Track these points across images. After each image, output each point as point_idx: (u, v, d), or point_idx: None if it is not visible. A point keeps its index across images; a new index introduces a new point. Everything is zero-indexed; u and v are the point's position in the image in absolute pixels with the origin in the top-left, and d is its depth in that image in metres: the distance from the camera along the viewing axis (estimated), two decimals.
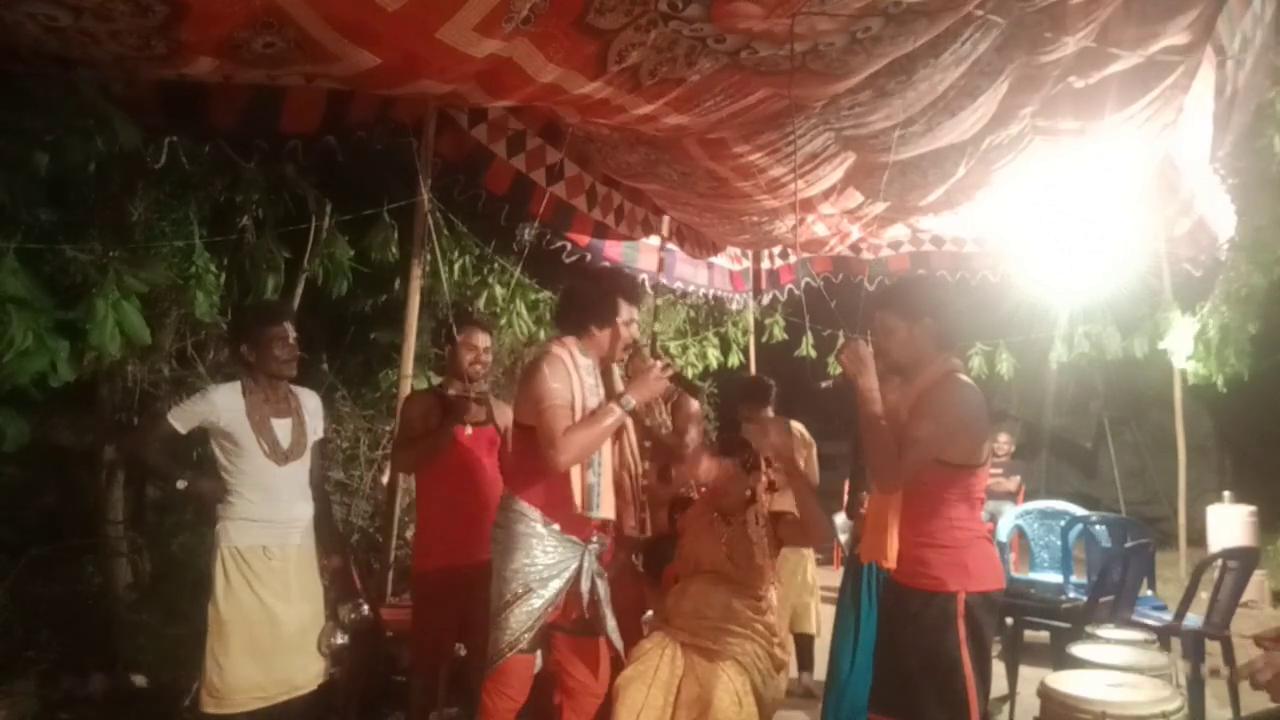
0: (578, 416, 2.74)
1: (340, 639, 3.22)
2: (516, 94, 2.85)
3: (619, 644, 3.01)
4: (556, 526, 2.79)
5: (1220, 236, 6.11)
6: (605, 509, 2.82)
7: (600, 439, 2.77)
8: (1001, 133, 3.90)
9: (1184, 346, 6.86)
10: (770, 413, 4.97)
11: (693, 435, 4.45)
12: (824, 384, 3.05)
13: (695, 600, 3.49)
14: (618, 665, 3.30)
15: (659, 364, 2.90)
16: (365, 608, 3.35)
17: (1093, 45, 3.18)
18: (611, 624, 2.93)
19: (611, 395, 2.89)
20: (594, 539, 2.89)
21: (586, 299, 2.98)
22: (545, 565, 2.77)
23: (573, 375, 2.78)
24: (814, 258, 6.87)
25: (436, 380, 4.37)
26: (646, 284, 6.11)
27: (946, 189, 4.47)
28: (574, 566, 2.82)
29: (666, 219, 5.29)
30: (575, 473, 2.74)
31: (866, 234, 5.99)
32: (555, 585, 2.78)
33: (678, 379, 3.06)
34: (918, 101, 3.22)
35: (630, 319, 2.97)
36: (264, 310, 3.62)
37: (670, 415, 4.35)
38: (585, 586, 2.83)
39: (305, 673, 3.13)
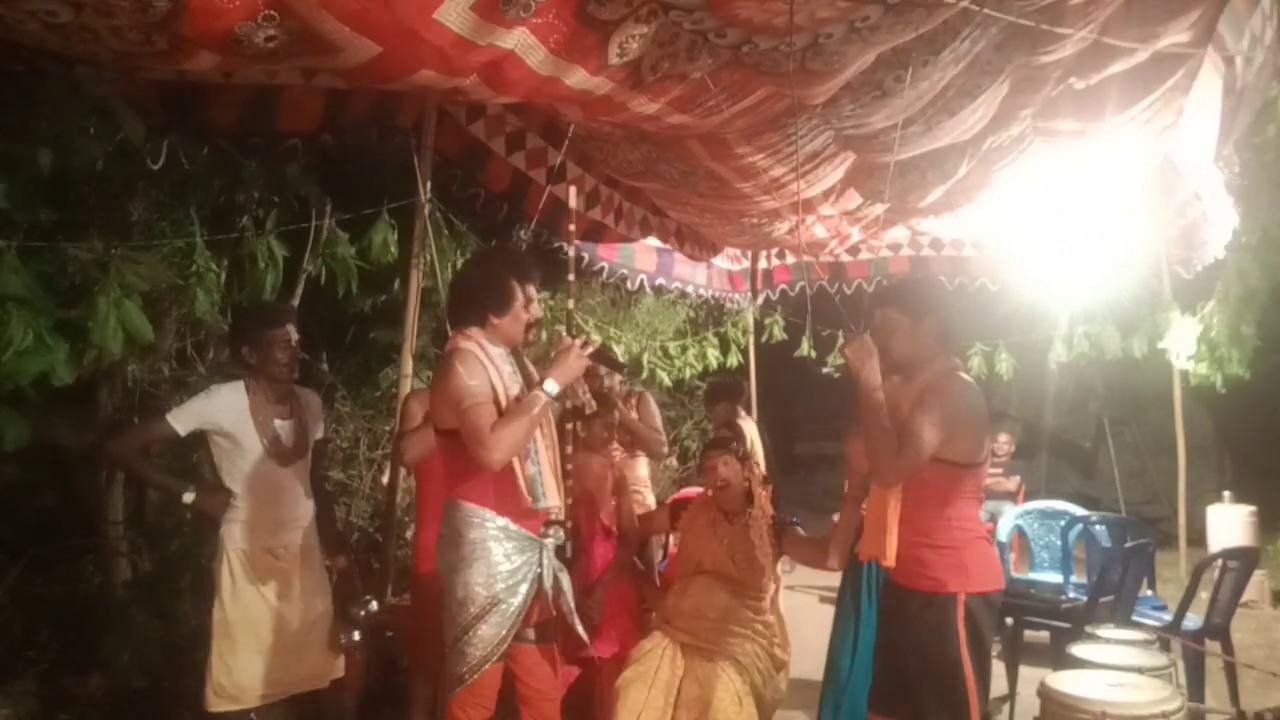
0: (502, 408, 2.63)
1: (355, 636, 3.23)
2: (519, 88, 2.84)
3: (585, 634, 2.95)
4: (508, 522, 2.68)
5: (1216, 239, 6.11)
6: (550, 497, 2.74)
7: (531, 429, 2.65)
8: (1002, 133, 3.90)
9: (1185, 347, 6.87)
10: (741, 410, 5.43)
11: (658, 427, 4.60)
12: (825, 370, 3.05)
13: (695, 600, 3.50)
14: (591, 661, 3.29)
15: (578, 342, 2.78)
16: (375, 604, 3.35)
17: (1092, 46, 3.18)
18: (575, 618, 2.86)
19: (530, 381, 2.78)
20: (548, 532, 2.79)
21: (478, 287, 2.79)
22: (509, 571, 2.65)
23: (488, 367, 2.66)
24: (811, 264, 6.87)
25: None
26: (627, 271, 6.11)
27: (946, 190, 4.47)
28: (536, 566, 2.72)
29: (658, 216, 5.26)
30: (515, 465, 2.64)
31: (866, 235, 5.99)
32: (524, 589, 2.68)
33: (599, 356, 2.96)
34: (918, 101, 3.22)
35: (530, 298, 2.82)
36: (266, 312, 3.54)
37: (637, 413, 4.50)
38: (548, 583, 2.74)
39: (314, 669, 3.14)
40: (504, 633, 2.65)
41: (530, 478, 2.69)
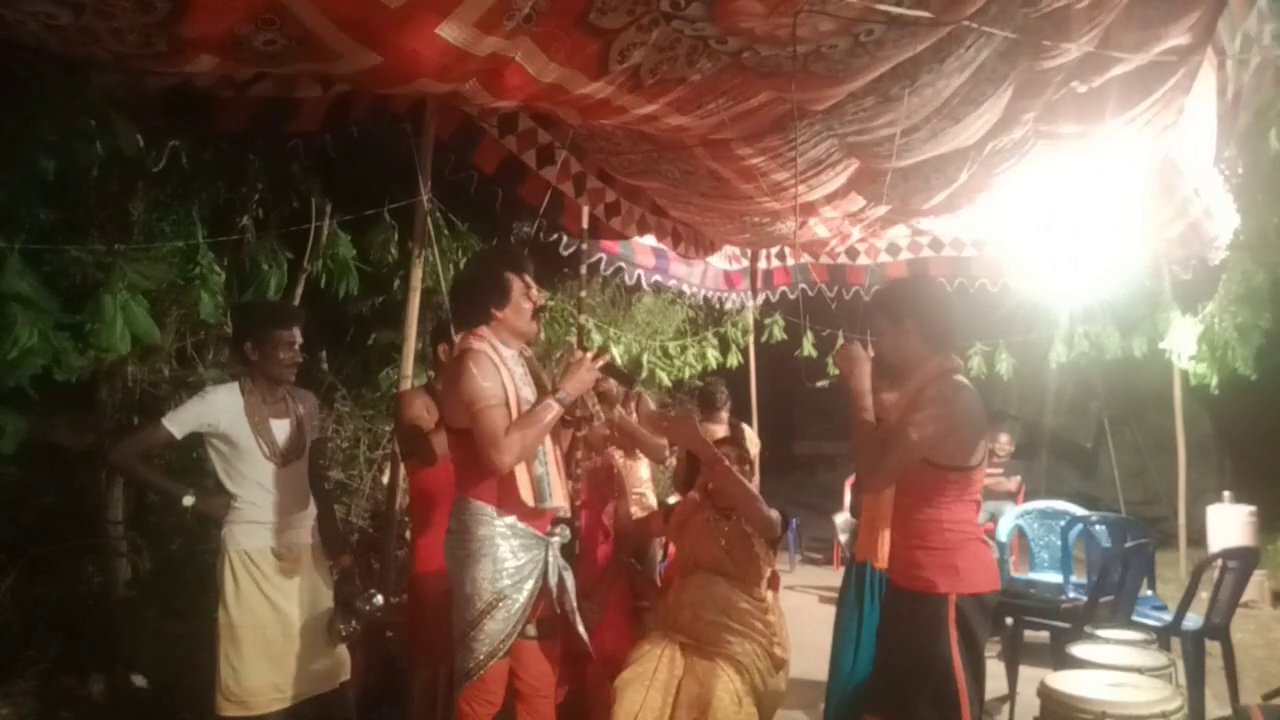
0: (514, 412, 2.67)
1: (355, 625, 3.21)
2: (519, 94, 2.84)
3: (584, 634, 2.96)
4: (515, 520, 2.72)
5: (1217, 238, 6.11)
6: (556, 498, 2.80)
7: (543, 436, 2.71)
8: (1004, 137, 3.89)
9: (1185, 346, 6.86)
10: (724, 416, 5.75)
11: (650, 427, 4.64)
12: (818, 384, 3.06)
13: (694, 597, 3.50)
14: (586, 660, 3.27)
15: (589, 355, 2.85)
16: (379, 598, 3.33)
17: (1094, 51, 3.18)
18: (577, 617, 2.90)
19: (541, 385, 2.85)
20: (554, 531, 2.84)
21: (475, 285, 2.87)
22: (516, 567, 2.70)
23: (501, 369, 2.70)
24: (811, 265, 6.86)
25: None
26: (646, 273, 6.12)
27: (949, 193, 4.47)
28: (541, 563, 2.77)
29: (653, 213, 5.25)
30: (523, 466, 2.69)
31: (867, 235, 6.00)
32: (529, 586, 2.72)
33: (610, 369, 3.02)
34: (922, 108, 3.21)
35: (528, 285, 2.85)
36: (274, 311, 3.52)
37: (637, 413, 4.56)
38: (553, 581, 2.79)
39: (323, 671, 3.13)
40: (510, 628, 2.68)
41: (538, 479, 2.75)
